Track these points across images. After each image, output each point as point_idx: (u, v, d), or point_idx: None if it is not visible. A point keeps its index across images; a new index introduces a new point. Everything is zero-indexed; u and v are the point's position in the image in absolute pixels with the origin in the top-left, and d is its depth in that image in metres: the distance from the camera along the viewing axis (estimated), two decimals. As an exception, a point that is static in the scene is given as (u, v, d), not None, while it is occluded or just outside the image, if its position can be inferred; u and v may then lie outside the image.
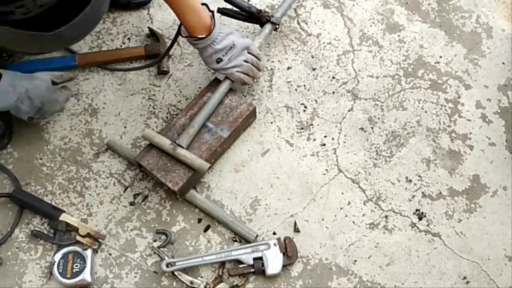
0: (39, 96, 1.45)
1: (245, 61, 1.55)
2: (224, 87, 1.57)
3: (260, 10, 1.68)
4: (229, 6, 1.71)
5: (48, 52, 1.66)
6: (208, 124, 1.55)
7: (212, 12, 1.48)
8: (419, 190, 1.58)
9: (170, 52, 1.74)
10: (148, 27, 1.76)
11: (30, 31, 1.14)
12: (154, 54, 1.72)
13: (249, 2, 1.77)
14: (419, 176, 1.60)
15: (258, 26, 1.71)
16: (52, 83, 1.50)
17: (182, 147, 1.49)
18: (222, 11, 1.70)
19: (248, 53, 1.56)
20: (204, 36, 1.47)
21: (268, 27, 1.68)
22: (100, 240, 1.49)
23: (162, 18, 1.80)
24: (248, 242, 1.50)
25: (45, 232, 1.51)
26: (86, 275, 1.44)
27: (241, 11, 1.70)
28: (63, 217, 1.49)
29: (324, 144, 1.64)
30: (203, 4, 1.47)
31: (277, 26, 1.69)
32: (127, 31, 1.78)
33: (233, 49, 1.51)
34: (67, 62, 1.70)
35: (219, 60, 1.51)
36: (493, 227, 1.54)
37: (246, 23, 1.77)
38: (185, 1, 1.44)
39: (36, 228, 1.51)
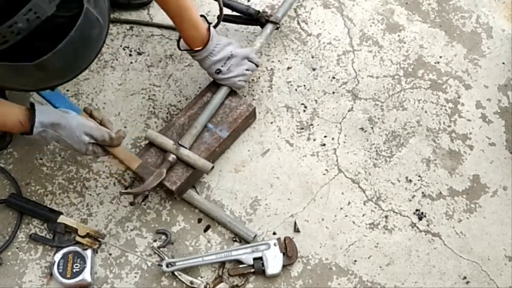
0: (69, 147, 1.39)
1: (246, 69, 1.56)
2: (225, 87, 1.57)
3: (259, 11, 1.68)
4: (228, 11, 1.70)
5: (43, 90, 1.36)
6: (208, 124, 1.55)
7: (209, 24, 1.49)
8: (419, 190, 1.58)
9: (170, 53, 1.74)
10: None
11: (12, 63, 1.01)
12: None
13: (248, 3, 1.77)
14: (419, 176, 1.60)
15: (258, 27, 1.71)
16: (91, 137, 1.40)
17: (185, 147, 1.49)
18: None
19: (249, 61, 1.57)
20: (200, 48, 1.48)
21: (269, 27, 1.67)
22: (100, 239, 1.49)
23: (162, 18, 1.79)
24: (247, 242, 1.50)
25: (45, 233, 1.51)
26: (86, 275, 1.44)
27: (240, 15, 1.70)
28: (61, 219, 1.49)
29: (324, 144, 1.64)
30: (201, 15, 1.48)
31: (278, 25, 1.69)
32: (127, 31, 1.78)
33: (231, 59, 1.52)
34: None
35: (218, 71, 1.52)
36: (493, 227, 1.54)
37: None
38: (184, 15, 1.44)
39: (37, 229, 1.51)
